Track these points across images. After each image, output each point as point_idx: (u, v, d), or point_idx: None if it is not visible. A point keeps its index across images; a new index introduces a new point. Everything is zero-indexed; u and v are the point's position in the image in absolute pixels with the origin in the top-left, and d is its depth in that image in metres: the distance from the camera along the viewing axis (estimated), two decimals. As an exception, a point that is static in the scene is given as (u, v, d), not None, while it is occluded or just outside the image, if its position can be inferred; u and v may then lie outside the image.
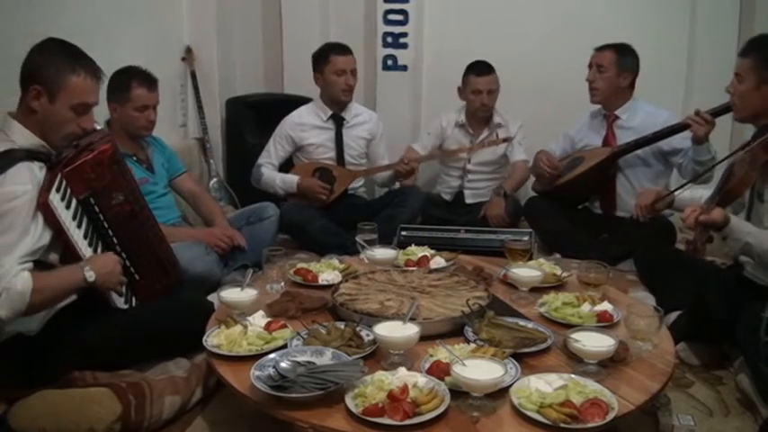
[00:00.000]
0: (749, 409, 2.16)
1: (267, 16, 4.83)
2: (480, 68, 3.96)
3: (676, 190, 2.70)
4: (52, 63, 2.06)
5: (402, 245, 3.02)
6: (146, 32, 3.81)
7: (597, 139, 3.67)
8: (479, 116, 4.05)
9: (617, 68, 3.52)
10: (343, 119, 3.94)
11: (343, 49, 3.84)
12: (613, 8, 4.24)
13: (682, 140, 3.35)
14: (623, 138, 3.54)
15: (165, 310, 2.33)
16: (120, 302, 2.28)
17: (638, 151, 3.50)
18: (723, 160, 2.62)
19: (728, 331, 2.27)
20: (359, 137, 3.98)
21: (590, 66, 3.59)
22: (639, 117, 3.56)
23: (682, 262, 2.79)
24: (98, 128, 2.30)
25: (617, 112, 3.61)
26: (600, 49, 3.58)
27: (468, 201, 4.12)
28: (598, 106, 3.69)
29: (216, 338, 1.99)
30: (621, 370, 1.85)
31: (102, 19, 3.38)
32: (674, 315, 2.59)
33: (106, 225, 2.27)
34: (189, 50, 4.30)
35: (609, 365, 1.85)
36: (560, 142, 3.85)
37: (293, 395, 1.66)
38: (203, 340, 2.00)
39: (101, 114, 2.79)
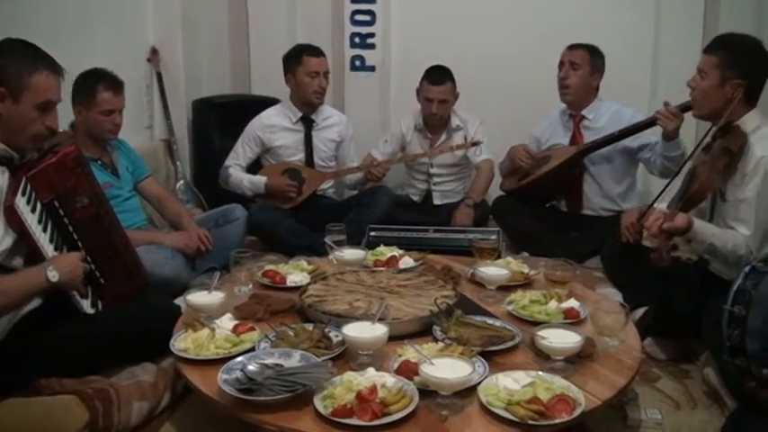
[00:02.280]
0: (716, 401, 2.20)
1: (233, 16, 4.80)
2: (434, 77, 3.91)
3: (654, 202, 2.70)
4: (13, 63, 2.02)
5: (371, 245, 3.01)
6: (110, 33, 3.76)
7: (564, 139, 3.70)
8: (432, 122, 4.04)
9: (590, 67, 3.55)
10: (313, 121, 3.91)
11: (316, 51, 3.82)
12: (579, 9, 4.27)
13: (649, 135, 3.39)
14: (590, 138, 3.57)
15: (131, 315, 2.29)
16: (86, 307, 2.24)
17: (604, 150, 3.53)
18: (685, 162, 2.64)
19: (694, 326, 2.31)
20: (329, 139, 3.96)
21: (561, 64, 3.61)
22: (606, 117, 3.60)
23: (647, 258, 2.82)
24: (60, 129, 2.26)
25: (583, 113, 3.64)
26: (572, 48, 3.59)
27: (437, 202, 4.12)
28: (563, 106, 3.71)
29: (183, 342, 1.98)
30: (588, 366, 1.88)
31: (66, 19, 3.33)
32: (640, 311, 2.63)
33: (71, 228, 2.24)
34: (154, 51, 4.24)
35: (576, 362, 1.87)
36: (526, 144, 3.86)
37: (261, 398, 1.65)
38: (170, 344, 1.98)
39: (64, 116, 2.75)
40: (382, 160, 3.97)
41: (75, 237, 2.26)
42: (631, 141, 3.47)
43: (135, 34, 4.14)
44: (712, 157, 2.40)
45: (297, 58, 3.79)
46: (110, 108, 2.94)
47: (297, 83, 3.81)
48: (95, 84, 2.91)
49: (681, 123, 3.06)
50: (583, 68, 3.55)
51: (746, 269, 1.84)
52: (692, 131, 3.70)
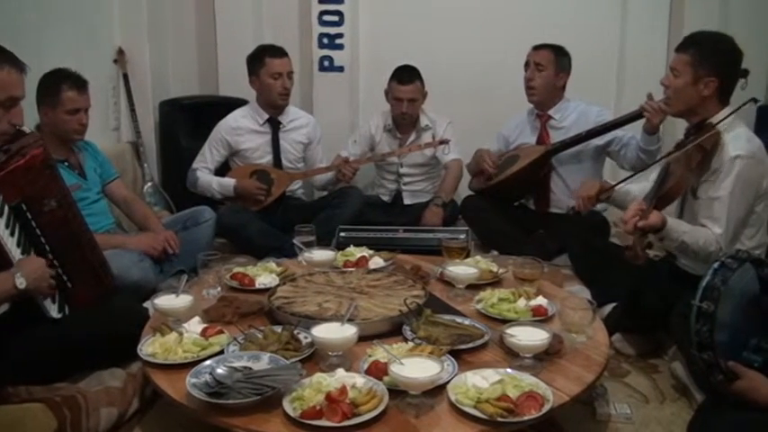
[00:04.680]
0: (684, 394, 2.24)
1: (201, 16, 4.74)
2: (403, 76, 3.92)
3: (617, 184, 2.72)
4: None
5: (341, 246, 3.01)
6: (75, 34, 3.71)
7: (532, 138, 3.72)
8: (402, 122, 4.04)
9: (555, 68, 3.58)
10: (280, 123, 3.90)
11: (278, 52, 3.78)
12: (547, 9, 4.31)
13: (615, 131, 3.43)
14: (557, 137, 3.60)
15: (99, 319, 2.26)
16: (53, 311, 2.21)
17: (572, 149, 3.54)
18: (659, 160, 2.66)
19: (662, 321, 2.33)
20: (296, 141, 3.94)
21: (527, 64, 3.63)
22: (572, 117, 3.63)
23: (615, 256, 2.84)
24: (28, 131, 2.23)
25: (550, 112, 3.66)
26: (537, 48, 3.61)
27: (407, 202, 4.13)
28: (531, 105, 3.73)
29: (150, 347, 1.96)
30: (557, 362, 1.89)
31: (30, 20, 3.27)
32: (609, 307, 2.66)
33: (38, 232, 2.21)
34: (120, 52, 4.20)
35: (544, 358, 1.88)
36: (495, 142, 3.88)
37: (230, 402, 1.64)
38: (138, 349, 1.96)
39: (31, 118, 2.71)
40: (353, 160, 3.96)
41: (43, 240, 2.22)
42: (599, 138, 3.50)
43: (101, 35, 4.09)
44: (686, 155, 2.41)
45: (259, 59, 3.76)
46: (75, 107, 2.90)
47: (261, 85, 3.79)
48: (59, 83, 2.88)
49: (665, 117, 3.06)
50: (547, 69, 3.57)
51: (715, 265, 1.85)
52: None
